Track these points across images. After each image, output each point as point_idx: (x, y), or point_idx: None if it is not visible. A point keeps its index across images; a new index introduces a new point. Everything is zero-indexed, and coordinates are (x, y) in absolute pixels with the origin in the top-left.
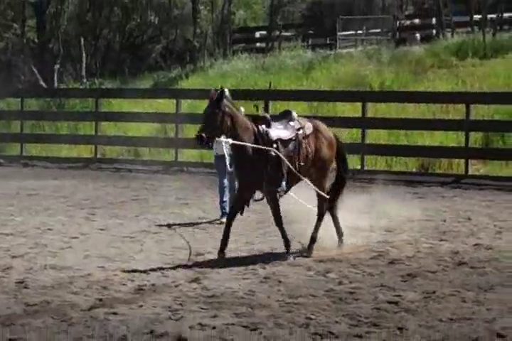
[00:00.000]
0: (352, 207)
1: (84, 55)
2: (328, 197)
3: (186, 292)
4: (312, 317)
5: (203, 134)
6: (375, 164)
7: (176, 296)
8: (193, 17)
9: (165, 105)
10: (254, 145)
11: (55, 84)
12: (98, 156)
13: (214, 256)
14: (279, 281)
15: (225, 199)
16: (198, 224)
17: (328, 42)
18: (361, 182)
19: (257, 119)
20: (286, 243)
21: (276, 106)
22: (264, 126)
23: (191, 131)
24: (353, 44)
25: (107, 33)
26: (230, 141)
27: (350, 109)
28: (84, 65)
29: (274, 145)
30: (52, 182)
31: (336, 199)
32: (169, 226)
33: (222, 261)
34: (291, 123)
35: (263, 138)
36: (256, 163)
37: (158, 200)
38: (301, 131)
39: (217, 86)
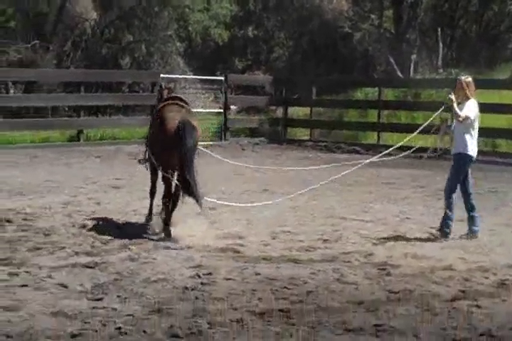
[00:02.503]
0: None
1: (440, 45)
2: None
3: None
4: None
5: None
6: None
7: None
8: None
9: None
10: None
11: (411, 74)
12: None
13: None
14: None
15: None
16: None
17: None
18: None
19: None
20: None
21: None
22: None
23: None
24: None
25: (464, 23)
26: None
27: None
28: (440, 55)
29: None
30: (409, 172)
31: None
32: None
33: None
34: None
35: None
36: None
37: None
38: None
39: None
